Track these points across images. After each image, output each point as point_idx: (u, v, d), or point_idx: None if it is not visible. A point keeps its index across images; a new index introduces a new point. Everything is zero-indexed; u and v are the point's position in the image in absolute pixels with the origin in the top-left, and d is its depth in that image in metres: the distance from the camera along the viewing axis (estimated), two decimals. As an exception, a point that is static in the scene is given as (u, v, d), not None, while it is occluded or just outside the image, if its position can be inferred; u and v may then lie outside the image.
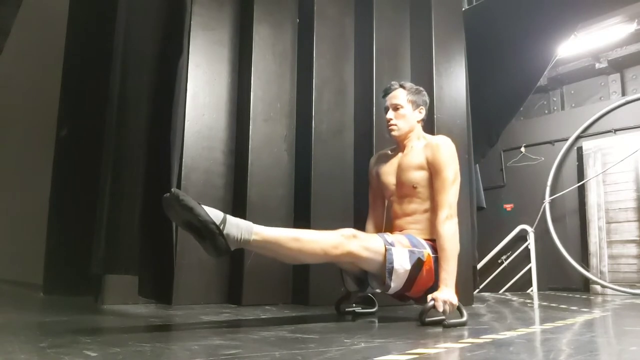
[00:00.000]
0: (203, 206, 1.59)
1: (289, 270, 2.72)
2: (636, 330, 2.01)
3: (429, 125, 2.75)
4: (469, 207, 3.16)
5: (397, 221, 2.22)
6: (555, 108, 6.38)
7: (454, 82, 3.13)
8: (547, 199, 5.81)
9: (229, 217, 1.65)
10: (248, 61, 2.79)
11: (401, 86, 2.27)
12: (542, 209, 5.82)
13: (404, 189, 2.18)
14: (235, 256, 2.60)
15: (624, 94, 5.79)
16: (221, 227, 1.60)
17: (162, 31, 2.55)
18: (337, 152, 2.88)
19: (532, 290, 5.65)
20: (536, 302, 3.61)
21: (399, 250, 1.94)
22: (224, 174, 2.71)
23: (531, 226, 5.87)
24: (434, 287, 2.00)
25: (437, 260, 2.02)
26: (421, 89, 2.32)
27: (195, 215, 1.56)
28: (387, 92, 2.30)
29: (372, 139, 2.85)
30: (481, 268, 5.58)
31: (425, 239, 2.08)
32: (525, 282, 5.80)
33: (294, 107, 2.92)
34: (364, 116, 2.94)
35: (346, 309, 2.26)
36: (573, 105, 6.21)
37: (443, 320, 1.83)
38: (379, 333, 1.73)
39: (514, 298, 4.00)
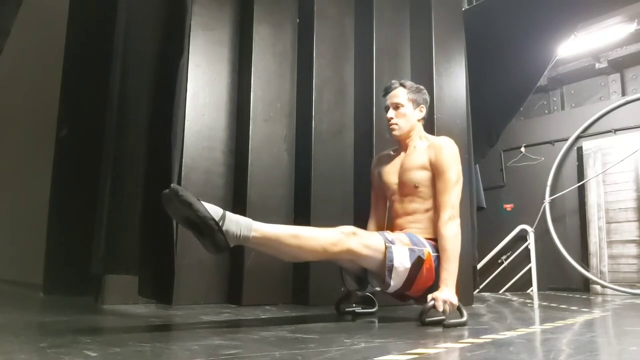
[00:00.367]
0: (202, 202, 1.59)
1: (289, 270, 2.72)
2: (636, 330, 2.01)
3: (429, 125, 2.75)
4: (469, 207, 3.16)
5: (398, 220, 2.22)
6: (555, 108, 6.38)
7: (454, 82, 3.13)
8: (547, 199, 5.81)
9: (228, 214, 1.65)
10: (248, 61, 2.79)
11: (401, 85, 2.27)
12: (542, 209, 5.82)
13: (406, 189, 2.18)
14: (235, 256, 2.60)
15: (624, 94, 5.79)
16: (220, 224, 1.60)
17: (162, 31, 2.55)
18: (337, 152, 2.88)
19: (532, 290, 5.65)
20: (536, 302, 3.61)
21: (399, 248, 1.94)
22: (224, 174, 2.71)
23: (531, 226, 5.87)
24: (434, 286, 1.99)
25: (437, 259, 2.02)
26: (421, 87, 2.32)
27: (194, 211, 1.56)
28: (387, 91, 2.30)
29: (372, 139, 2.85)
30: (481, 268, 5.58)
31: (426, 238, 2.08)
32: (525, 282, 5.80)
33: (294, 107, 2.92)
34: (364, 116, 2.94)
35: (346, 309, 2.26)
36: (573, 105, 6.22)
37: (443, 320, 1.83)
38: (379, 333, 1.73)
39: (514, 298, 4.00)
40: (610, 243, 5.31)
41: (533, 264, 5.77)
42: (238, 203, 2.68)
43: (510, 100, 4.21)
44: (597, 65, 5.84)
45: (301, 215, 2.73)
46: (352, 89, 3.03)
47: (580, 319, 2.35)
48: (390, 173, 2.26)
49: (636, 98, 5.48)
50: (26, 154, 4.09)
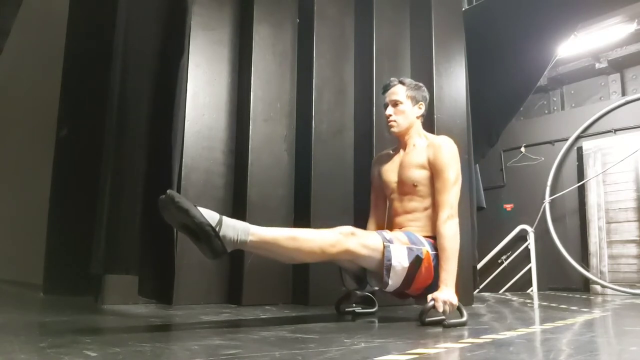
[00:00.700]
0: (199, 208, 1.59)
1: (289, 270, 2.71)
2: (636, 330, 2.01)
3: (429, 125, 2.75)
4: (469, 207, 3.16)
5: (397, 219, 2.22)
6: (555, 108, 6.38)
7: (454, 82, 3.13)
8: (547, 199, 5.81)
9: (225, 219, 1.64)
10: (248, 61, 2.79)
11: (400, 82, 2.27)
12: (542, 209, 5.82)
13: (405, 187, 2.18)
14: (235, 256, 2.60)
15: (624, 94, 5.79)
16: (217, 229, 1.60)
17: (162, 31, 2.55)
18: (337, 152, 2.88)
19: (532, 290, 5.65)
20: (536, 302, 3.61)
21: (397, 247, 1.94)
22: (224, 174, 2.71)
23: (531, 226, 5.87)
24: (434, 284, 1.99)
25: (436, 258, 2.02)
26: (421, 84, 2.32)
27: (190, 217, 1.55)
28: (386, 88, 2.30)
29: (372, 139, 2.85)
30: (481, 268, 5.58)
31: (425, 236, 2.08)
32: (525, 282, 5.80)
33: (294, 107, 2.92)
34: (364, 116, 2.94)
35: (346, 309, 2.26)
36: (573, 105, 6.22)
37: (443, 320, 1.83)
38: (379, 333, 1.73)
39: (514, 298, 4.00)
40: (610, 243, 5.31)
41: (533, 264, 5.77)
42: (238, 203, 2.68)
43: (510, 100, 4.22)
44: (597, 65, 5.84)
45: (301, 215, 2.73)
46: (352, 89, 3.03)
47: (580, 319, 2.35)
48: (390, 172, 2.26)
49: (636, 98, 5.48)
50: (26, 154, 4.09)
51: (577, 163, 5.75)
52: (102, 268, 2.23)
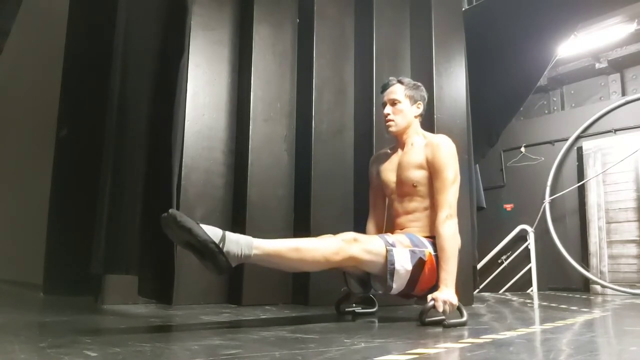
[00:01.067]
0: (202, 225, 1.58)
1: (289, 270, 2.71)
2: (636, 330, 2.01)
3: (429, 125, 2.75)
4: (469, 207, 3.16)
5: (397, 219, 2.22)
6: (555, 108, 6.38)
7: (454, 82, 3.13)
8: (547, 199, 5.81)
9: (228, 234, 1.64)
10: (248, 61, 2.79)
11: (399, 81, 2.27)
12: (542, 209, 5.82)
13: (404, 187, 2.18)
14: (235, 256, 2.60)
15: (624, 94, 5.79)
16: (221, 245, 1.59)
17: (162, 31, 2.55)
18: (337, 152, 2.88)
19: (532, 290, 5.65)
20: (536, 302, 3.61)
21: (400, 250, 1.94)
22: (224, 174, 2.71)
23: (531, 226, 5.87)
24: (437, 285, 1.99)
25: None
26: (419, 84, 2.32)
27: (193, 235, 1.55)
28: (385, 87, 2.30)
29: (372, 139, 2.85)
30: (481, 268, 5.58)
31: (426, 237, 2.08)
32: (525, 282, 5.80)
33: (294, 107, 2.92)
34: (364, 116, 2.94)
35: (346, 309, 2.26)
36: (573, 105, 6.22)
37: (443, 320, 1.83)
38: (379, 333, 1.73)
39: (514, 298, 4.00)
40: (610, 243, 5.31)
41: (533, 264, 5.77)
42: (238, 203, 2.68)
43: (510, 100, 4.22)
44: (597, 65, 5.84)
45: (301, 215, 2.73)
46: (352, 89, 3.03)
47: (580, 319, 2.35)
48: (388, 172, 2.26)
49: (636, 98, 5.48)
50: (26, 154, 4.09)
51: (577, 163, 5.75)
52: (102, 268, 2.23)
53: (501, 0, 4.28)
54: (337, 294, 2.29)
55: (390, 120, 2.24)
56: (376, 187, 2.36)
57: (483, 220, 4.61)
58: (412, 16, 3.23)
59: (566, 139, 5.86)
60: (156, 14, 2.55)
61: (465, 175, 2.41)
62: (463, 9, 4.00)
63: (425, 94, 2.32)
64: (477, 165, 4.22)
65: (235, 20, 2.89)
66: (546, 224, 5.73)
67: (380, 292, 2.04)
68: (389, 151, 2.35)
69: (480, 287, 5.49)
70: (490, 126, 4.22)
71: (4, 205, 4.52)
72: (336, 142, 2.88)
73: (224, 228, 1.67)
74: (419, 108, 2.28)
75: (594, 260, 5.37)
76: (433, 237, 2.08)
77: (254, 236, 1.73)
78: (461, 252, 2.06)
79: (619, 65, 5.84)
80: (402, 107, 2.23)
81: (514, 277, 5.88)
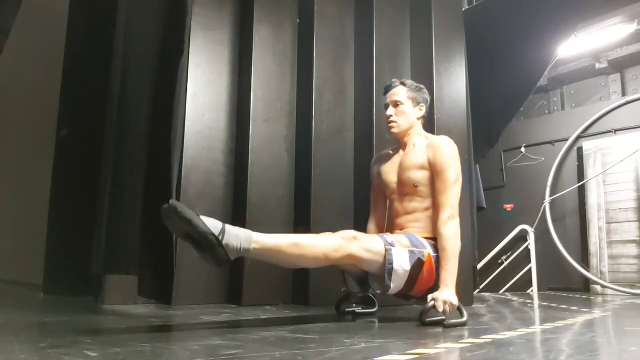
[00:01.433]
0: (201, 217, 1.58)
1: (289, 270, 2.71)
2: (636, 330, 2.01)
3: (429, 125, 2.75)
4: (469, 207, 3.16)
5: (397, 219, 2.22)
6: (555, 108, 6.38)
7: (454, 82, 3.13)
8: (547, 199, 5.81)
9: (228, 227, 1.64)
10: (248, 61, 2.79)
11: (402, 83, 2.28)
12: (542, 209, 5.82)
13: (405, 188, 2.18)
14: (235, 256, 2.60)
15: (624, 94, 5.79)
16: (220, 238, 1.60)
17: (162, 31, 2.55)
18: (337, 152, 2.88)
19: (532, 290, 5.65)
20: (536, 302, 3.61)
21: (399, 250, 1.94)
22: (224, 174, 2.71)
23: (531, 226, 5.87)
24: (436, 286, 1.99)
25: (438, 260, 2.02)
26: (422, 86, 2.32)
27: (193, 227, 1.55)
28: (387, 89, 2.31)
29: (372, 139, 2.85)
30: (481, 268, 5.58)
31: (426, 238, 2.08)
32: (525, 282, 5.80)
33: (294, 107, 2.92)
34: (364, 116, 2.94)
35: (346, 309, 2.26)
36: (573, 105, 6.22)
37: (443, 320, 1.83)
38: (379, 333, 1.73)
39: (514, 298, 4.00)
40: (610, 243, 5.31)
41: (533, 264, 5.77)
42: (238, 203, 2.68)
43: (510, 100, 4.22)
44: (597, 65, 5.84)
45: (301, 215, 2.73)
46: (352, 89, 3.03)
47: (580, 319, 2.35)
48: (389, 172, 2.26)
49: (636, 98, 5.48)
50: (26, 154, 4.09)
51: (577, 163, 5.75)
52: (102, 268, 2.23)
53: (501, 0, 4.28)
54: (337, 294, 2.29)
55: (392, 122, 2.24)
56: (377, 188, 2.36)
57: (483, 220, 4.61)
58: (412, 16, 3.23)
59: (566, 139, 5.86)
60: (156, 14, 2.55)
61: (465, 175, 2.41)
62: (463, 9, 4.00)
63: (427, 96, 2.32)
64: (477, 165, 4.22)
65: (235, 20, 2.89)
66: (546, 224, 5.73)
67: (378, 291, 2.04)
68: (390, 152, 2.35)
69: (480, 287, 5.49)
70: (490, 126, 4.22)
71: (4, 205, 4.52)
72: (336, 142, 2.88)
73: (224, 228, 1.67)
74: (421, 110, 2.28)
75: (594, 260, 5.37)
76: (432, 238, 2.08)
77: None
78: (461, 252, 2.06)
79: (619, 65, 5.84)
80: (404, 108, 2.24)
81: (514, 277, 5.88)
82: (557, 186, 5.86)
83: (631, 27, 5.29)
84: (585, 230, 5.50)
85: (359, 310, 2.29)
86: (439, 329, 1.76)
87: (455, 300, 1.90)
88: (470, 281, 3.05)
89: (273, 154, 2.79)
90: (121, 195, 2.28)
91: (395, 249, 1.93)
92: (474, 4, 4.74)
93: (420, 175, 2.14)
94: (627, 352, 1.41)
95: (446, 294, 1.90)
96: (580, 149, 5.73)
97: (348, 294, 2.24)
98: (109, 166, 2.30)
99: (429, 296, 1.92)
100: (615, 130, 5.52)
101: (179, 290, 2.41)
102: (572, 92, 6.25)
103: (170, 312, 2.19)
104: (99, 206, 2.30)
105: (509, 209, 6.22)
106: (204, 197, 2.59)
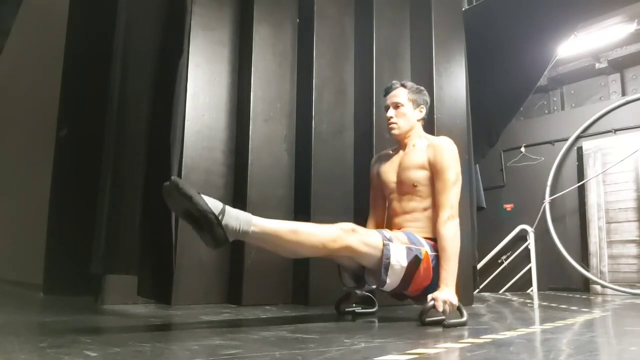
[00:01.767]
0: (202, 196, 1.59)
1: (289, 270, 2.72)
2: (636, 330, 2.01)
3: (429, 125, 2.75)
4: (469, 207, 3.16)
5: (396, 219, 2.22)
6: (555, 108, 6.38)
7: (454, 82, 3.13)
8: (547, 199, 5.81)
9: (228, 208, 1.65)
10: (248, 61, 2.79)
11: (402, 85, 2.28)
12: (542, 209, 5.82)
13: (404, 187, 2.18)
14: (235, 256, 2.60)
15: (624, 94, 5.79)
16: (220, 218, 1.60)
17: (162, 31, 2.55)
18: (337, 152, 2.88)
19: (532, 290, 5.65)
20: (536, 302, 3.61)
21: (397, 246, 1.94)
22: (224, 174, 2.72)
23: (531, 226, 5.87)
24: (433, 286, 1.99)
25: (435, 259, 2.02)
26: (422, 88, 2.32)
27: (194, 204, 1.56)
28: (388, 90, 2.31)
29: (372, 139, 2.85)
30: (481, 268, 5.58)
31: (425, 237, 2.08)
32: (525, 282, 5.80)
33: (294, 107, 2.92)
34: (364, 116, 2.94)
35: (346, 309, 2.26)
36: (573, 105, 6.22)
37: (443, 320, 1.83)
38: (379, 333, 1.73)
39: (514, 298, 4.00)
40: (610, 243, 5.31)
41: (533, 264, 5.77)
42: (238, 203, 2.67)
43: (510, 100, 4.21)
44: (597, 65, 5.84)
45: (301, 215, 2.73)
46: (352, 89, 3.03)
47: (580, 319, 2.35)
48: (389, 172, 2.26)
49: (636, 98, 5.48)
50: (26, 154, 4.09)
51: (577, 163, 5.75)
52: (102, 268, 2.23)
53: (501, 0, 4.28)
54: (337, 294, 2.29)
55: (393, 124, 2.24)
56: (377, 187, 2.36)
57: (483, 220, 4.61)
58: (412, 16, 3.23)
59: (566, 139, 5.86)
60: (156, 14, 2.55)
61: (465, 175, 2.41)
62: (463, 9, 4.00)
63: (427, 98, 2.32)
64: (477, 165, 4.22)
65: (235, 20, 2.89)
66: (546, 224, 5.73)
67: (373, 286, 2.03)
68: (390, 152, 2.36)
69: (480, 287, 5.49)
70: (490, 126, 4.22)
71: (4, 205, 4.52)
72: (336, 142, 2.88)
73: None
74: (422, 112, 2.28)
75: (594, 260, 5.37)
76: (431, 239, 2.09)
77: None
78: (461, 252, 2.06)
79: (619, 65, 5.84)
80: (405, 110, 2.24)
81: (514, 277, 5.88)
82: (557, 186, 5.86)
83: (631, 27, 5.29)
84: (585, 230, 5.50)
85: (359, 310, 2.29)
86: (439, 329, 1.76)
87: (455, 300, 1.90)
88: (470, 281, 3.05)
89: (273, 154, 2.79)
90: (121, 195, 2.27)
91: (393, 245, 1.93)
92: (474, 4, 4.74)
93: (419, 175, 2.14)
94: (627, 352, 1.41)
95: (446, 294, 1.90)
96: (580, 149, 5.73)
97: (348, 293, 2.24)
98: (109, 166, 2.30)
99: (429, 296, 1.92)
100: (615, 130, 5.52)
101: (178, 290, 2.41)
102: (572, 92, 6.25)
103: (170, 312, 2.19)
104: (99, 206, 2.29)
105: (509, 209, 6.22)
106: (204, 197, 2.58)
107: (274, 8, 2.93)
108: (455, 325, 1.83)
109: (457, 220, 2.05)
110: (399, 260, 1.92)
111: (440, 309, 1.87)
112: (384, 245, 1.91)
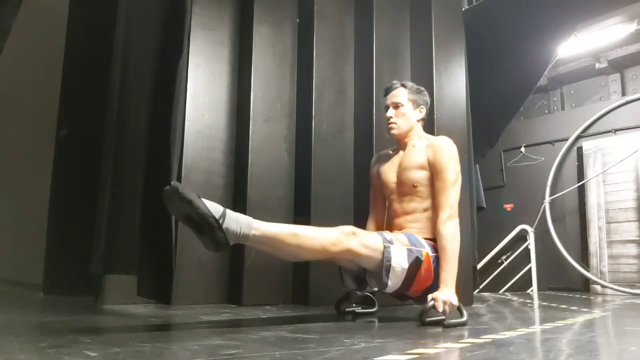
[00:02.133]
0: (203, 199, 1.59)
1: (289, 270, 2.71)
2: (636, 330, 2.01)
3: (429, 125, 2.75)
4: (469, 207, 3.16)
5: (396, 220, 2.22)
6: (555, 108, 6.38)
7: (454, 82, 3.13)
8: (547, 199, 5.81)
9: (229, 212, 1.65)
10: (248, 61, 2.79)
11: (402, 85, 2.28)
12: (542, 209, 5.82)
13: (404, 188, 2.18)
14: (235, 256, 2.60)
15: (624, 94, 5.79)
16: (220, 221, 1.60)
17: (162, 31, 2.55)
18: (337, 152, 2.88)
19: (532, 290, 5.65)
20: (536, 302, 3.61)
21: (397, 248, 1.94)
22: (224, 174, 2.71)
23: (531, 226, 5.87)
24: (433, 286, 1.99)
25: (436, 260, 2.02)
26: (422, 88, 2.33)
27: (194, 208, 1.56)
28: (388, 90, 2.31)
29: (372, 139, 2.85)
30: (481, 268, 5.58)
31: (425, 238, 2.08)
32: (525, 282, 5.80)
33: (294, 107, 2.92)
34: (364, 116, 2.94)
35: (346, 309, 2.26)
36: (573, 105, 6.22)
37: (443, 320, 1.83)
38: (379, 333, 1.73)
39: (514, 298, 4.00)
40: (610, 243, 5.31)
41: (533, 264, 5.77)
42: (238, 203, 2.68)
43: (510, 100, 4.21)
44: (597, 65, 5.84)
45: (301, 215, 2.73)
46: (352, 89, 3.03)
47: (580, 319, 2.36)
48: (389, 172, 2.26)
49: (636, 98, 5.48)
50: (26, 154, 4.09)
51: (577, 163, 5.75)
52: (102, 268, 2.23)
53: (501, 0, 4.28)
54: (337, 294, 2.29)
55: (393, 124, 2.25)
56: (377, 188, 2.36)
57: (483, 220, 4.61)
58: (412, 16, 3.23)
59: (566, 139, 5.86)
60: (156, 14, 2.55)
61: (465, 175, 2.41)
62: (463, 9, 4.00)
63: (427, 98, 2.33)
64: (477, 165, 4.22)
65: (235, 20, 2.88)
66: (546, 224, 5.73)
67: (375, 289, 2.03)
68: (390, 152, 2.36)
69: (480, 287, 5.49)
70: (490, 126, 4.22)
71: (4, 205, 4.51)
72: (336, 142, 2.88)
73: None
74: (422, 112, 2.29)
75: (594, 260, 5.37)
76: (431, 239, 2.08)
77: None
78: (461, 252, 2.06)
79: (619, 65, 5.84)
80: (404, 110, 2.24)
81: (514, 277, 5.88)
82: (557, 186, 5.86)
83: (631, 27, 5.29)
84: (585, 230, 5.50)
85: (359, 310, 2.29)
86: (439, 329, 1.76)
87: (455, 300, 1.90)
88: (470, 281, 3.05)
89: (273, 154, 2.79)
90: (121, 195, 2.27)
91: (394, 247, 1.93)
92: (474, 4, 4.74)
93: (419, 176, 2.14)
94: (627, 352, 1.41)
95: (446, 294, 1.90)
96: (580, 149, 5.73)
97: (348, 293, 2.24)
98: (109, 166, 2.30)
99: (429, 296, 1.92)
100: (615, 130, 5.52)
101: (178, 290, 2.41)
102: (572, 92, 6.25)
103: (170, 312, 2.19)
104: (99, 206, 2.29)
105: (509, 209, 6.22)
106: (203, 197, 2.57)
107: (274, 8, 2.93)
108: (455, 325, 1.83)
109: (457, 220, 2.05)
110: (399, 262, 1.92)
111: (440, 309, 1.87)
112: (384, 247, 1.91)
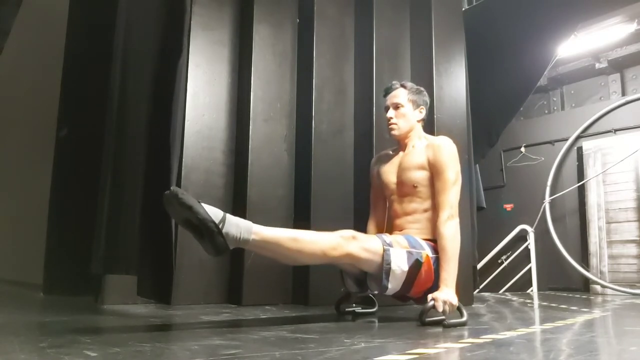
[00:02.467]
0: (202, 204, 1.59)
1: (289, 270, 2.71)
2: (636, 330, 2.01)
3: (429, 125, 2.75)
4: (469, 207, 3.16)
5: (397, 220, 2.22)
6: (555, 108, 6.38)
7: (454, 82, 3.13)
8: (547, 199, 5.81)
9: (229, 216, 1.65)
10: (248, 61, 2.79)
11: (402, 86, 2.28)
12: (542, 209, 5.82)
13: (405, 188, 2.18)
14: (235, 256, 2.60)
15: (624, 94, 5.79)
16: (220, 226, 1.60)
17: (162, 31, 2.55)
18: (337, 152, 2.88)
19: (532, 290, 5.65)
20: (536, 302, 3.61)
21: (397, 251, 1.94)
22: (224, 174, 2.71)
23: (531, 226, 5.87)
24: (434, 287, 1.99)
25: (436, 261, 2.02)
26: (422, 89, 2.33)
27: (194, 213, 1.56)
28: (387, 91, 2.31)
29: (372, 139, 2.85)
30: (481, 268, 5.58)
31: (425, 239, 2.08)
32: (525, 282, 5.80)
33: (294, 107, 2.92)
34: (364, 116, 2.94)
35: (346, 309, 2.26)
36: (573, 105, 6.22)
37: (443, 320, 1.83)
38: (379, 333, 1.73)
39: (514, 298, 4.00)
40: (610, 243, 5.31)
41: (533, 264, 5.77)
42: (238, 203, 2.68)
43: (510, 100, 4.22)
44: (597, 65, 5.84)
45: (301, 215, 2.73)
46: (352, 89, 3.03)
47: (580, 319, 2.36)
48: (389, 172, 2.26)
49: (636, 98, 5.48)
50: (26, 154, 4.09)
51: (577, 163, 5.75)
52: (102, 268, 2.23)
53: (501, 0, 4.28)
54: (337, 294, 2.29)
55: (393, 124, 2.25)
56: (377, 188, 2.36)
57: (483, 220, 4.61)
58: (412, 16, 3.23)
59: (566, 139, 5.86)
60: (156, 14, 2.55)
61: (465, 175, 2.41)
62: (463, 9, 4.00)
63: (427, 99, 2.33)
64: (477, 165, 4.22)
65: (235, 20, 2.88)
66: (546, 224, 5.73)
67: (376, 291, 2.04)
68: (390, 152, 2.36)
69: (480, 287, 5.49)
70: (490, 126, 4.22)
71: (4, 205, 4.52)
72: (336, 142, 2.88)
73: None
74: (422, 113, 2.29)
75: (594, 260, 5.37)
76: (431, 240, 2.09)
77: None
78: (461, 252, 2.06)
79: (619, 65, 5.84)
80: (404, 111, 2.24)
81: (514, 277, 5.88)
82: (557, 186, 5.86)
83: (631, 27, 5.29)
84: (585, 230, 5.50)
85: (359, 310, 2.29)
86: (439, 329, 1.76)
87: (455, 300, 1.90)
88: (470, 281, 3.05)
89: (273, 154, 2.79)
90: (121, 195, 2.27)
91: (394, 250, 1.93)
92: (474, 4, 4.74)
93: (419, 176, 2.14)
94: (627, 352, 1.41)
95: (446, 294, 1.90)
96: (580, 149, 5.73)
97: (348, 294, 2.24)
98: (109, 166, 2.30)
99: (429, 296, 1.92)
100: (615, 130, 5.52)
101: (178, 290, 2.41)
102: (572, 92, 6.25)
103: (170, 312, 2.19)
104: (99, 206, 2.29)
105: (509, 209, 6.22)
106: (204, 197, 2.58)
107: (274, 8, 2.93)
108: (455, 325, 1.83)
109: (457, 220, 2.05)
110: (399, 265, 1.92)
111: (440, 309, 1.87)
112: (384, 250, 1.91)
